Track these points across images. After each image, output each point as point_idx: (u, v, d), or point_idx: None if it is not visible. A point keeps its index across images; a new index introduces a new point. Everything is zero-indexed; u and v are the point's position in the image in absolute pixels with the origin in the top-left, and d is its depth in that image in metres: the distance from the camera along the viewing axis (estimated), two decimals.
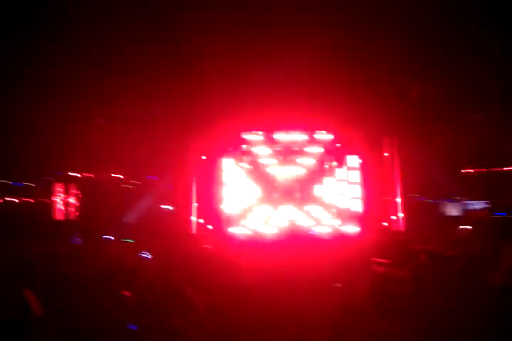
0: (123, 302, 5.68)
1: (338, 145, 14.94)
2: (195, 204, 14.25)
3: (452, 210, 14.25)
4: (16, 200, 15.18)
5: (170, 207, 14.73)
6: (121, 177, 15.32)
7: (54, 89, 12.26)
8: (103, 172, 15.15)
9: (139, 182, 15.30)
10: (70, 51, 11.45)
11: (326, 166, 15.66)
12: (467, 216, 13.19)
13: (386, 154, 14.40)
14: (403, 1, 10.57)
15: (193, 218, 14.16)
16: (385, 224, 13.67)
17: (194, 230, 13.98)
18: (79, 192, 14.99)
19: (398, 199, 13.89)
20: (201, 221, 14.18)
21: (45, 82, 12.00)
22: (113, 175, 15.38)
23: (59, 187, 14.86)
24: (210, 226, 14.10)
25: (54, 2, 10.33)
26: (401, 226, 13.53)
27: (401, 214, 13.71)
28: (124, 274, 7.12)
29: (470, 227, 11.62)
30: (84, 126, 13.57)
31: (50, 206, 14.50)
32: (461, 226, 12.04)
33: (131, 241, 11.49)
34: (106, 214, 14.52)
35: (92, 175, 15.12)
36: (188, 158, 14.42)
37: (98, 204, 14.80)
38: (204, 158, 14.61)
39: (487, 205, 13.86)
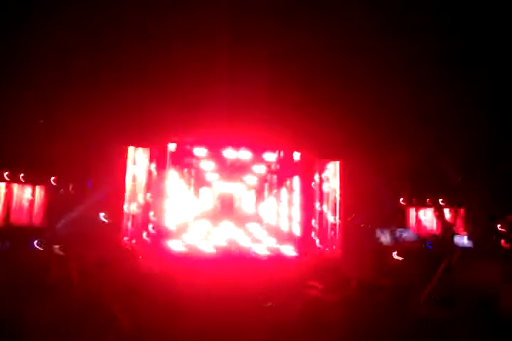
0: (40, 319, 5.40)
1: (282, 165, 15.15)
2: (131, 215, 13.84)
3: (386, 238, 14.73)
4: None
5: (104, 216, 14.19)
6: (54, 181, 14.61)
7: None
8: (35, 175, 14.40)
9: (73, 188, 14.66)
10: None
11: (269, 186, 15.81)
12: (400, 245, 13.68)
13: (328, 177, 14.74)
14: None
15: (129, 229, 13.73)
16: (321, 248, 13.90)
17: (129, 242, 13.53)
18: (7, 196, 14.13)
19: (336, 224, 14.20)
20: (137, 233, 13.77)
21: None
22: (52, 180, 14.68)
23: None
24: (146, 239, 13.73)
25: None
26: (336, 251, 13.80)
27: (338, 238, 13.99)
28: (45, 286, 6.80)
29: (401, 257, 12.07)
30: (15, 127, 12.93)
31: None
32: (392, 256, 12.48)
33: (59, 249, 10.99)
34: (35, 221, 13.83)
35: (21, 178, 14.30)
36: (128, 167, 14.05)
37: (27, 209, 14.07)
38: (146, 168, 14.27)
39: (418, 236, 14.48)
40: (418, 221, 15.45)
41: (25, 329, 5.17)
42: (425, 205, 15.53)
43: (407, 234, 14.73)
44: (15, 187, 14.15)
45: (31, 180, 14.38)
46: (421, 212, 15.57)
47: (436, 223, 15.24)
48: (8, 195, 14.02)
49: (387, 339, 5.50)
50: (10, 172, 13.97)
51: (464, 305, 6.17)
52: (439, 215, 15.15)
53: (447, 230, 14.54)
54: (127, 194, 13.86)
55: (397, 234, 14.70)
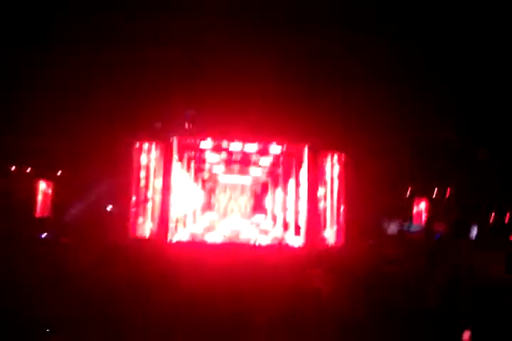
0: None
1: (288, 158, 15.13)
2: (138, 206, 13.91)
3: (392, 230, 14.68)
4: None
5: (111, 208, 14.31)
6: (61, 175, 14.76)
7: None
8: (41, 169, 14.54)
9: (80, 181, 14.77)
10: None
11: (275, 178, 15.83)
12: (404, 237, 13.64)
13: (333, 169, 14.70)
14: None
15: (135, 222, 13.81)
16: (326, 238, 13.88)
17: (135, 234, 13.60)
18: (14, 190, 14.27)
19: (340, 215, 14.17)
20: (144, 225, 13.85)
21: None
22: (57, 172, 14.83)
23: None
24: (152, 231, 13.79)
25: None
26: (342, 241, 13.77)
27: (343, 229, 13.95)
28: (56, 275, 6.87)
29: (405, 248, 12.03)
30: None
31: None
32: (397, 246, 12.46)
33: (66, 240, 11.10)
34: (43, 213, 13.96)
35: (28, 173, 14.44)
36: (135, 161, 14.11)
37: (34, 202, 14.23)
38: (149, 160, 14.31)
39: (422, 228, 14.41)
40: (425, 212, 15.36)
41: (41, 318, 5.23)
42: (432, 196, 15.44)
43: (414, 227, 14.67)
44: (21, 181, 14.29)
45: (38, 175, 14.52)
46: (428, 203, 15.47)
47: (445, 214, 15.11)
48: (15, 188, 14.16)
49: (393, 329, 5.45)
50: (17, 167, 14.11)
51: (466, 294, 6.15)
52: (447, 206, 15.04)
53: (456, 221, 14.39)
54: (134, 187, 13.93)
55: (404, 226, 14.65)
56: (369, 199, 14.00)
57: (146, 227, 13.61)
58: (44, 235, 11.91)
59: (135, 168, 13.96)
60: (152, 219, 13.84)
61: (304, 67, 12.46)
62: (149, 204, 13.96)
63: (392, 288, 6.72)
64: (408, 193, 15.48)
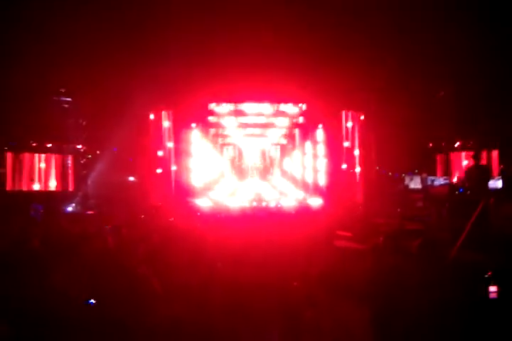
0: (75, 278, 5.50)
1: (305, 118, 14.87)
2: (159, 176, 13.98)
3: (413, 184, 14.49)
4: None
5: (132, 178, 14.40)
6: (81, 147, 14.83)
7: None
8: (64, 142, 14.59)
9: (101, 154, 14.83)
10: None
11: (293, 139, 15.63)
12: (428, 191, 13.42)
13: (350, 128, 14.44)
14: None
15: (157, 189, 13.91)
16: (348, 196, 13.77)
17: (157, 202, 13.73)
18: (39, 162, 14.38)
19: (361, 172, 14.01)
20: (165, 193, 13.95)
21: None
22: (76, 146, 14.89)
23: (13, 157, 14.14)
24: (174, 198, 13.90)
25: None
26: (364, 199, 13.67)
27: (364, 187, 13.84)
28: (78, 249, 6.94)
29: (430, 203, 11.85)
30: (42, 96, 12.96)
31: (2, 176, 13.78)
32: (421, 201, 12.30)
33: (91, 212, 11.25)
34: (67, 187, 14.14)
35: (52, 145, 14.51)
36: (153, 129, 14.09)
37: (60, 174, 14.37)
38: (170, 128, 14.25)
39: (447, 181, 14.14)
40: (449, 166, 15.01)
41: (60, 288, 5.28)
42: (456, 149, 15.04)
43: (438, 181, 14.40)
44: (43, 156, 14.38)
45: (59, 149, 14.59)
46: (452, 157, 15.10)
47: (469, 167, 14.75)
48: (38, 164, 14.29)
49: (424, 286, 5.37)
50: (38, 143, 14.18)
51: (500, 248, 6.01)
52: (472, 158, 14.64)
53: (481, 174, 14.02)
54: (152, 155, 13.96)
55: (428, 181, 14.40)
56: (391, 155, 13.75)
57: (167, 195, 13.72)
58: (70, 209, 12.10)
59: (152, 137, 13.95)
60: (174, 187, 13.93)
61: (321, 20, 11.97)
62: (169, 172, 14.02)
63: (419, 244, 6.61)
64: (432, 147, 15.13)
